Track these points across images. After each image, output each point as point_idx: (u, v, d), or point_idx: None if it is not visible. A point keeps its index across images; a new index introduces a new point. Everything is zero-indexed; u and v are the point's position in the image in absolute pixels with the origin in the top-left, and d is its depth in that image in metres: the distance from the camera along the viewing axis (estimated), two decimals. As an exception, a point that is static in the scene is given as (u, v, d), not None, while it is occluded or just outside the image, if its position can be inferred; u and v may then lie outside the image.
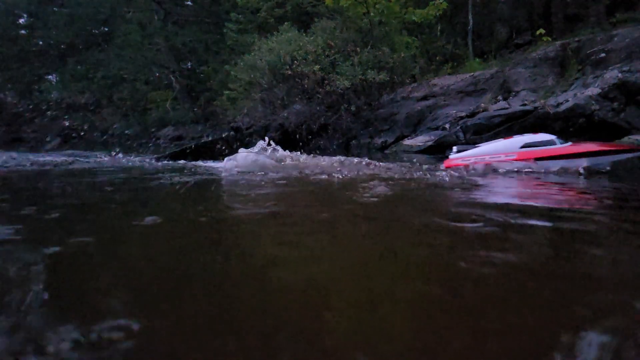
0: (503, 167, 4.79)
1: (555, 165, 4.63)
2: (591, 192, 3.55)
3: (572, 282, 1.46)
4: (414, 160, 6.24)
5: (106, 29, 26.82)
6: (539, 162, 4.69)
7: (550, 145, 4.73)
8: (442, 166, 5.18)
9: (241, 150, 6.09)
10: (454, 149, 5.31)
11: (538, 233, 2.11)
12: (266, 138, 6.15)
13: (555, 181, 4.08)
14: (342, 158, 6.09)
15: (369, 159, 6.05)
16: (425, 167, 5.26)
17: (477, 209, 2.70)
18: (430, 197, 3.42)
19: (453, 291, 1.38)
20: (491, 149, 5.02)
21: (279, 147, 6.13)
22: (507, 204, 3.03)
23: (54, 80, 28.40)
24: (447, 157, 5.31)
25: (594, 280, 1.48)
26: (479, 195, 3.37)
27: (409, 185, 3.88)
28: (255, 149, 5.96)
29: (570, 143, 4.82)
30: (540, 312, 1.21)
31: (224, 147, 7.19)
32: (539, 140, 4.82)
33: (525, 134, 5.17)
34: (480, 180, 4.21)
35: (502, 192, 3.67)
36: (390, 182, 3.97)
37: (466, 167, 4.96)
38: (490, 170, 4.80)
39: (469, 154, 5.08)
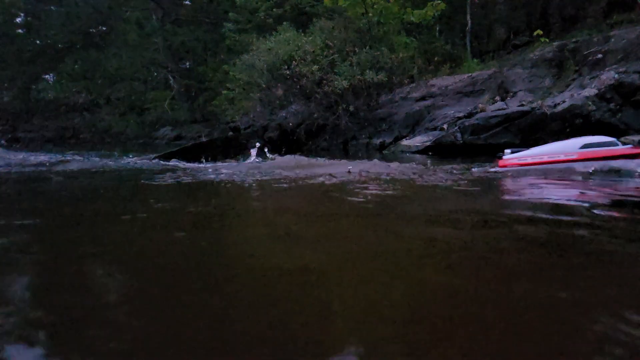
0: (561, 166, 4.74)
1: (616, 165, 4.51)
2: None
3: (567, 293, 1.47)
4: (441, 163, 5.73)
5: (104, 29, 26.73)
6: (600, 162, 4.59)
7: (613, 146, 4.70)
8: (496, 167, 5.12)
9: (228, 163, 5.99)
10: (507, 151, 5.27)
11: (550, 237, 2.13)
12: (257, 144, 6.07)
13: (607, 183, 4.00)
14: (362, 162, 5.73)
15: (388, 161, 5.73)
16: (475, 169, 5.13)
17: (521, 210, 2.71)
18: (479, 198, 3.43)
19: (451, 288, 1.39)
20: (549, 149, 5.00)
21: (275, 156, 6.05)
22: (549, 206, 3.03)
23: (51, 80, 28.28)
24: (500, 158, 5.27)
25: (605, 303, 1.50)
26: (518, 197, 3.38)
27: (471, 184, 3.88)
28: (251, 158, 5.87)
29: (631, 145, 4.77)
30: (540, 311, 1.23)
31: (220, 149, 7.18)
32: (601, 141, 4.79)
33: (583, 136, 5.11)
34: (524, 181, 4.18)
35: (547, 194, 3.58)
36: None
37: (522, 166, 4.93)
38: (547, 170, 4.74)
39: (526, 154, 5.05)
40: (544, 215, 2.56)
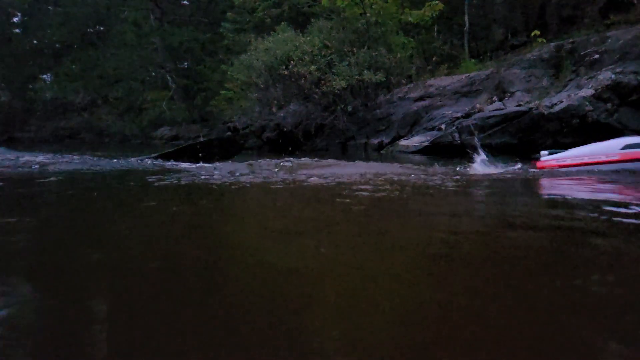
0: (603, 168, 4.67)
1: None
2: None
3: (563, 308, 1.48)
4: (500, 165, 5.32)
5: (102, 28, 26.68)
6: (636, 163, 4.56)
7: None
8: (533, 168, 5.09)
9: (225, 163, 5.95)
10: (544, 152, 5.20)
11: (562, 239, 2.13)
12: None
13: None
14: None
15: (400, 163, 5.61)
16: (511, 167, 5.00)
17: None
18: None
19: (452, 289, 1.40)
20: (590, 150, 4.93)
21: (272, 160, 6.02)
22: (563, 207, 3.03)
23: (49, 80, 28.19)
24: (537, 159, 5.21)
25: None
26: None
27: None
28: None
29: None
30: (541, 313, 1.23)
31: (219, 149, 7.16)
32: None
33: (623, 137, 5.05)
34: (562, 182, 4.15)
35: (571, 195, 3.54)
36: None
37: (561, 167, 4.88)
38: (587, 171, 4.68)
39: (565, 155, 4.99)
40: (566, 216, 2.56)
